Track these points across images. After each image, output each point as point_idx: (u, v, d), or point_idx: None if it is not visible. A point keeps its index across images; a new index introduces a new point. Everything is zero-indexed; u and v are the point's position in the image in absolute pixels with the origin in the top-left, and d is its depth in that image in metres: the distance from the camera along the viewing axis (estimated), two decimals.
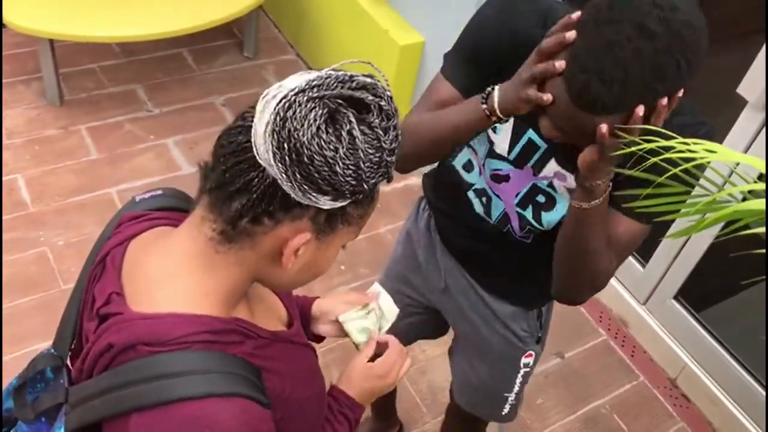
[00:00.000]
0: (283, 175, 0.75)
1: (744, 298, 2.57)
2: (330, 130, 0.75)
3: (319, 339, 1.26)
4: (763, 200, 0.64)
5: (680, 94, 1.02)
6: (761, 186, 0.69)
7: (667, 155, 0.72)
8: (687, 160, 0.69)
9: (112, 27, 3.00)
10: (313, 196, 0.77)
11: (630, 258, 2.67)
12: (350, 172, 0.76)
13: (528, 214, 1.37)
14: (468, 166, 1.44)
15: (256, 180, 0.77)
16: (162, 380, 0.79)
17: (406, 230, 1.72)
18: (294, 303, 1.11)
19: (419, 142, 1.28)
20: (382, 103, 0.78)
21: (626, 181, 1.12)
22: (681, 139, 0.69)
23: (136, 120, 3.18)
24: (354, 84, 0.77)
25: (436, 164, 1.54)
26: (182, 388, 0.79)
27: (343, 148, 0.75)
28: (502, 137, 1.32)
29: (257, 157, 0.76)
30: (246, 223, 0.80)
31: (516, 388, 1.69)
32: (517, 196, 1.36)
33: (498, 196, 1.39)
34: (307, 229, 0.81)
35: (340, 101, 0.76)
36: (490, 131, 1.33)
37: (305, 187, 0.76)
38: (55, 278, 2.53)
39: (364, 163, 0.76)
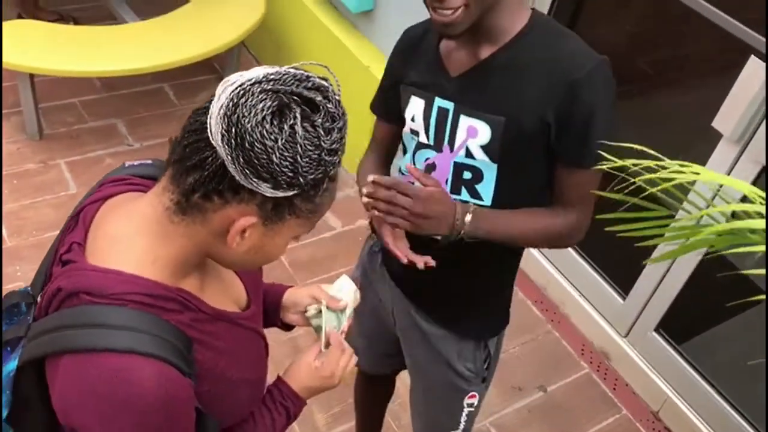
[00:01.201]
0: (229, 156, 0.80)
1: (725, 329, 2.59)
2: (275, 122, 0.80)
3: (288, 327, 1.31)
4: (763, 220, 0.65)
5: None
6: (745, 207, 0.70)
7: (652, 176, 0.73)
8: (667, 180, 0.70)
9: (93, 61, 3.00)
10: (254, 181, 0.81)
11: (610, 290, 2.68)
12: (287, 163, 0.80)
13: (465, 196, 1.41)
14: None
15: (210, 159, 0.83)
16: (93, 329, 0.85)
17: (356, 274, 1.74)
18: (259, 289, 1.16)
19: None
20: (329, 105, 0.83)
21: (565, 136, 1.28)
22: (667, 161, 0.70)
23: (116, 154, 3.16)
24: (309, 84, 0.83)
25: None
26: (108, 339, 0.85)
27: (282, 139, 0.80)
28: (419, 124, 1.41)
29: (210, 138, 0.82)
30: (198, 198, 0.85)
31: (462, 426, 1.68)
32: (447, 183, 1.41)
33: None
34: (253, 213, 0.86)
35: (293, 97, 0.81)
36: (409, 121, 1.43)
37: (247, 171, 0.81)
38: None
39: (302, 157, 0.81)
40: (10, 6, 3.66)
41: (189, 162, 0.84)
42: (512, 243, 1.42)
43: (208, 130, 0.82)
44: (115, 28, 3.30)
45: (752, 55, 2.02)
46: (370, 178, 1.30)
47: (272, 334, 1.20)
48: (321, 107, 0.82)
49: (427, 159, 1.43)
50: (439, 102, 1.38)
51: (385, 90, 1.55)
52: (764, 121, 2.04)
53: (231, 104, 0.80)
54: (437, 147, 1.40)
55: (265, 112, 0.79)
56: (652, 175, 0.72)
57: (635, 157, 0.85)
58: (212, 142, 0.81)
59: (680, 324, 2.56)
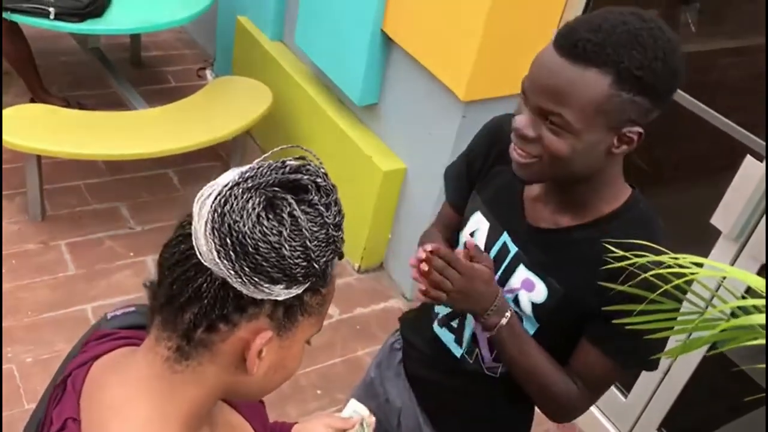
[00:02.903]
0: (231, 272, 0.72)
1: (729, 430, 2.53)
2: (271, 216, 0.73)
3: None
4: (764, 315, 0.65)
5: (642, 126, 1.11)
6: (752, 302, 0.70)
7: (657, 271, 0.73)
8: (676, 275, 0.70)
9: (100, 145, 3.05)
10: (266, 287, 0.74)
11: (612, 387, 2.62)
12: (299, 253, 0.73)
13: None
14: None
15: (205, 285, 0.75)
16: None
17: (370, 369, 1.70)
18: (267, 429, 1.06)
19: None
20: (318, 180, 0.77)
21: (599, 316, 1.17)
22: (671, 254, 0.71)
23: (117, 237, 3.17)
24: (287, 169, 0.76)
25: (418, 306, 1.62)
26: None
27: (286, 230, 0.72)
28: (479, 242, 1.35)
29: (202, 260, 0.74)
30: (202, 333, 0.76)
31: None
32: None
33: None
34: (266, 326, 0.78)
35: (276, 188, 0.75)
36: (468, 237, 1.36)
37: (255, 279, 0.73)
38: (19, 397, 2.43)
39: (311, 242, 0.74)
40: (23, 91, 3.76)
41: (182, 297, 0.76)
42: (514, 371, 1.31)
43: (197, 254, 0.74)
44: (124, 114, 3.37)
45: (748, 155, 2.07)
46: (428, 247, 1.23)
47: None
48: (309, 186, 0.76)
49: None
50: (505, 238, 1.31)
51: (462, 178, 1.45)
52: (763, 219, 2.06)
53: (216, 216, 0.72)
54: None
55: (257, 210, 0.72)
56: (662, 270, 0.72)
57: (640, 249, 0.86)
58: (205, 264, 0.74)
59: (684, 423, 2.51)
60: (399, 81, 2.97)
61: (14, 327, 2.67)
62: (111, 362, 0.87)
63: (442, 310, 1.46)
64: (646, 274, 0.85)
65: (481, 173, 1.39)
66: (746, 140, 2.12)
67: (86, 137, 3.06)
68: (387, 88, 3.05)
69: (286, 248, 0.72)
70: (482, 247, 1.35)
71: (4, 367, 2.52)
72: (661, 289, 0.85)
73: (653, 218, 1.23)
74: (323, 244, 0.75)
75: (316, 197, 0.75)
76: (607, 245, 1.06)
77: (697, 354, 2.26)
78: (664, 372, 2.41)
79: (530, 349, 1.28)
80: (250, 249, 0.71)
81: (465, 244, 1.27)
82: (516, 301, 1.30)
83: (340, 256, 0.80)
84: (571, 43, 1.05)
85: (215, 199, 0.73)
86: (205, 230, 0.72)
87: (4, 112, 2.99)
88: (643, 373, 2.48)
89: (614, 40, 1.04)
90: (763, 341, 0.66)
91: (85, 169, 3.47)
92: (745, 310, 0.70)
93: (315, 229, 0.74)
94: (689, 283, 1.02)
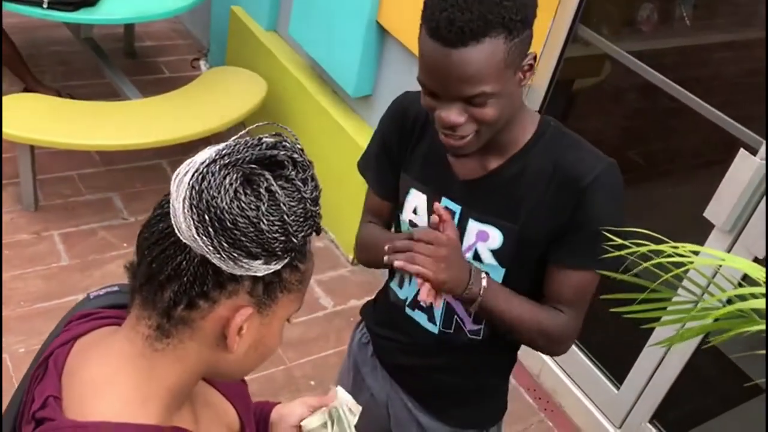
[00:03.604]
0: (210, 247, 0.73)
1: (721, 421, 2.55)
2: (248, 191, 0.74)
3: None
4: (763, 301, 0.65)
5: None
6: (750, 290, 0.71)
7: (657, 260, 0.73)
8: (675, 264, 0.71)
9: (94, 135, 3.04)
10: (245, 263, 0.75)
11: (604, 379, 2.65)
12: (277, 227, 0.74)
13: None
14: (400, 281, 1.47)
15: (185, 262, 0.76)
16: None
17: (346, 365, 1.69)
18: (249, 409, 1.07)
19: (370, 258, 1.46)
20: (295, 155, 0.78)
21: (571, 241, 1.25)
22: (671, 243, 0.71)
23: (110, 227, 3.16)
24: (264, 145, 0.77)
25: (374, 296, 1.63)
26: None
27: (264, 205, 0.74)
28: (422, 218, 1.38)
29: (181, 238, 0.75)
30: (182, 310, 0.78)
31: None
32: None
33: None
34: (246, 303, 0.79)
35: (252, 165, 0.76)
36: (410, 213, 1.40)
37: (234, 254, 0.74)
38: (12, 387, 2.41)
39: (288, 216, 0.75)
40: (16, 81, 3.74)
41: (161, 276, 0.77)
42: (503, 325, 1.32)
43: (177, 231, 0.75)
44: (117, 104, 3.36)
45: (741, 149, 2.08)
46: (416, 235, 1.22)
47: None
48: (286, 161, 0.77)
49: None
50: (445, 202, 1.35)
51: (382, 166, 1.47)
52: (756, 212, 2.07)
53: (194, 192, 0.73)
54: None
55: (234, 185, 0.73)
56: (662, 259, 0.72)
57: (637, 238, 0.87)
58: (184, 242, 0.75)
59: (676, 415, 2.52)
60: (394, 72, 2.97)
61: (7, 317, 2.66)
62: (93, 341, 0.87)
63: (409, 294, 1.45)
64: (647, 264, 0.86)
65: (402, 156, 1.42)
66: (740, 134, 2.12)
67: (80, 127, 3.05)
68: (382, 80, 3.04)
69: (264, 223, 0.73)
70: (425, 220, 1.38)
71: None
72: (663, 279, 0.85)
73: (566, 131, 1.31)
74: (301, 219, 0.76)
75: (292, 172, 0.77)
76: (605, 233, 1.07)
77: (690, 346, 2.27)
78: (657, 364, 2.43)
79: (514, 298, 1.31)
80: (228, 224, 0.72)
81: (434, 209, 1.27)
82: (477, 257, 1.33)
83: (318, 231, 0.81)
84: (455, 32, 1.08)
85: (192, 176, 0.74)
86: (184, 207, 0.73)
87: None
88: (635, 365, 2.50)
89: (485, 3, 1.09)
90: (761, 326, 0.67)
91: (78, 159, 3.46)
92: (743, 299, 0.70)
93: (293, 203, 0.76)
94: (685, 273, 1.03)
